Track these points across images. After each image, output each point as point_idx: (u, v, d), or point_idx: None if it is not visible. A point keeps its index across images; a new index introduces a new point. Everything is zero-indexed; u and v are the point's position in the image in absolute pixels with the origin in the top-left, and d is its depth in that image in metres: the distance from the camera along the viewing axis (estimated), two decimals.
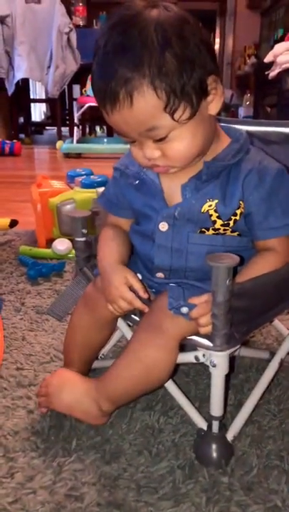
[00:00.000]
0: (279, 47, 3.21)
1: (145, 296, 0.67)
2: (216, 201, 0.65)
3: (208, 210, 0.65)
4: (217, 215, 0.65)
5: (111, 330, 0.78)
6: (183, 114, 0.58)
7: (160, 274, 0.71)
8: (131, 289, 0.67)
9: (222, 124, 0.70)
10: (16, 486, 0.62)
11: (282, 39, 3.83)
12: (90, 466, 0.65)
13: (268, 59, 3.30)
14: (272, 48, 3.49)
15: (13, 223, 1.61)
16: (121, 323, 0.76)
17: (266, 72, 3.33)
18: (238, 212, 0.65)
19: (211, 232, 0.66)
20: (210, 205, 0.65)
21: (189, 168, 0.65)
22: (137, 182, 0.70)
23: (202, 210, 0.66)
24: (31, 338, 0.99)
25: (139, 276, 0.71)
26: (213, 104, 0.61)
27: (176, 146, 0.60)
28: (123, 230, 0.76)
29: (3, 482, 0.63)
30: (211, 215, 0.65)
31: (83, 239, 0.79)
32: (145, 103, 0.56)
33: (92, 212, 0.81)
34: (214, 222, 0.66)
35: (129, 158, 0.69)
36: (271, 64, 3.30)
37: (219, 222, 0.66)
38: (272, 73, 3.23)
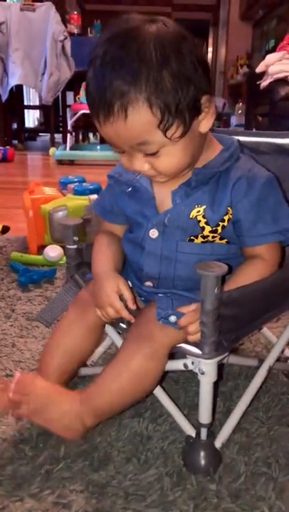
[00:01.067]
0: (271, 57, 3.26)
1: (133, 307, 0.68)
2: (204, 207, 0.66)
3: (196, 216, 0.66)
4: (205, 220, 0.66)
5: (98, 337, 0.78)
6: (175, 132, 0.58)
7: (149, 283, 0.71)
8: (121, 297, 0.68)
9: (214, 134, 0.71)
10: (3, 493, 0.62)
11: (273, 49, 3.88)
12: (78, 473, 0.65)
13: (259, 69, 3.35)
14: (264, 58, 3.54)
15: (5, 229, 1.61)
16: (110, 330, 0.76)
17: (258, 82, 3.37)
18: (226, 218, 0.66)
19: (199, 240, 0.67)
20: (198, 211, 0.66)
21: (180, 177, 0.66)
22: (129, 189, 0.71)
23: (191, 216, 0.66)
24: (21, 344, 0.99)
25: (130, 284, 0.72)
26: (205, 123, 0.62)
27: (166, 161, 0.61)
28: (117, 237, 0.77)
29: None
30: (200, 221, 0.66)
31: (74, 246, 0.80)
32: (139, 118, 0.56)
33: (83, 220, 0.81)
34: (202, 228, 0.66)
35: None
36: (263, 74, 3.34)
37: (207, 228, 0.66)
38: (264, 83, 3.27)
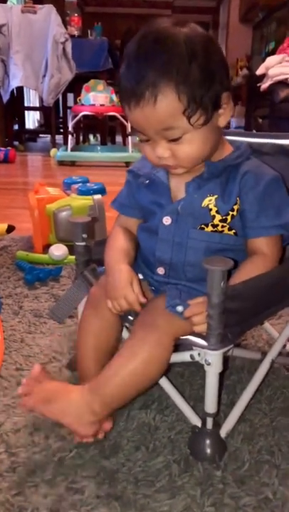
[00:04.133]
0: (271, 60, 3.29)
1: (143, 300, 0.71)
2: (216, 196, 0.71)
3: (208, 205, 0.71)
4: (216, 209, 0.71)
5: (119, 330, 0.78)
6: (198, 120, 0.64)
7: (161, 269, 0.75)
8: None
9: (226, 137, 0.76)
10: (18, 479, 0.64)
11: (273, 52, 3.92)
12: (90, 461, 0.68)
13: (259, 71, 3.38)
14: (263, 60, 3.57)
15: (10, 229, 1.64)
16: None
17: (258, 84, 3.40)
18: (235, 208, 0.71)
19: (210, 228, 0.71)
20: (210, 200, 0.71)
21: (194, 170, 0.71)
22: (147, 181, 0.76)
23: (202, 205, 0.71)
24: (30, 340, 1.02)
25: (140, 276, 0.75)
26: (223, 118, 0.69)
27: (186, 148, 0.67)
28: (131, 232, 0.81)
29: (6, 476, 0.65)
30: (211, 210, 0.71)
31: (83, 243, 0.83)
32: (167, 104, 0.62)
33: (92, 218, 0.84)
34: (213, 217, 0.71)
35: (142, 162, 0.77)
36: (263, 76, 3.37)
37: (218, 217, 0.71)
38: (264, 85, 3.30)
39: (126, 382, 0.68)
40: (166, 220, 0.73)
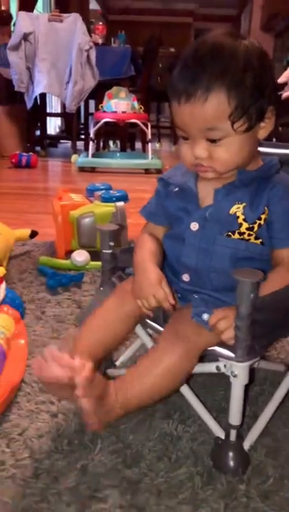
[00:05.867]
0: None
1: (172, 301, 0.72)
2: (244, 204, 0.71)
3: (235, 212, 0.71)
4: (243, 217, 0.71)
5: (130, 328, 0.80)
6: (240, 126, 0.66)
7: (186, 276, 0.75)
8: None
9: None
10: (42, 486, 0.65)
11: None
12: (112, 469, 0.68)
13: (281, 80, 3.37)
14: (285, 69, 3.55)
15: (34, 234, 1.66)
16: (141, 331, 0.80)
17: (279, 93, 3.39)
18: (263, 217, 0.71)
19: (236, 236, 0.72)
20: (238, 207, 0.71)
21: (224, 179, 0.72)
22: (176, 189, 0.77)
23: (230, 212, 0.72)
24: (53, 345, 1.02)
25: None
26: (264, 130, 0.71)
27: (224, 151, 0.68)
28: (158, 239, 0.82)
29: (30, 482, 0.65)
30: (238, 217, 0.71)
31: (110, 251, 0.83)
32: (216, 105, 0.65)
33: (119, 226, 0.85)
34: (240, 225, 0.71)
35: (173, 171, 0.79)
36: (284, 85, 3.36)
37: (245, 225, 0.71)
38: (286, 94, 3.29)
39: (148, 391, 0.69)
40: (194, 226, 0.74)
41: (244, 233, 0.72)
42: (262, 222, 0.71)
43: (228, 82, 0.64)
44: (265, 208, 0.71)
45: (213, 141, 0.68)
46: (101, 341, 0.79)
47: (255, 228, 0.71)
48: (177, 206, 0.77)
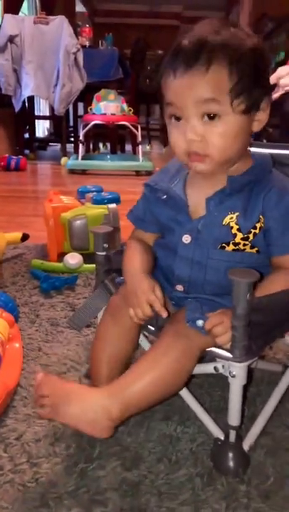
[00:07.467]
0: (282, 70, 3.29)
1: (166, 314, 0.70)
2: (237, 214, 0.69)
3: (229, 223, 0.69)
4: (237, 227, 0.69)
5: (136, 339, 0.79)
6: (239, 105, 0.64)
7: (179, 287, 0.74)
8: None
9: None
10: (41, 490, 0.64)
11: (282, 62, 3.93)
12: (112, 472, 0.68)
13: (271, 81, 3.39)
14: (273, 70, 3.59)
15: (25, 237, 1.64)
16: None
17: None
18: (258, 226, 0.69)
19: (231, 247, 0.70)
20: (231, 218, 0.70)
21: (214, 183, 0.70)
22: (164, 196, 0.74)
23: (224, 223, 0.70)
24: (47, 349, 1.02)
25: None
26: (258, 123, 0.69)
27: (219, 135, 0.65)
28: (148, 245, 0.80)
29: (29, 487, 0.65)
30: (232, 228, 0.69)
31: (104, 253, 0.83)
32: (218, 75, 0.63)
33: (113, 229, 0.84)
34: (234, 235, 0.69)
35: (159, 176, 0.76)
36: (274, 86, 3.38)
37: (239, 235, 0.69)
38: (275, 95, 3.30)
39: (148, 389, 0.66)
40: (186, 239, 0.72)
41: (239, 243, 0.70)
42: (257, 231, 0.69)
43: (229, 57, 0.63)
44: (261, 217, 0.69)
45: (209, 117, 0.64)
46: (115, 363, 0.76)
47: (251, 238, 0.70)
48: (167, 216, 0.75)
